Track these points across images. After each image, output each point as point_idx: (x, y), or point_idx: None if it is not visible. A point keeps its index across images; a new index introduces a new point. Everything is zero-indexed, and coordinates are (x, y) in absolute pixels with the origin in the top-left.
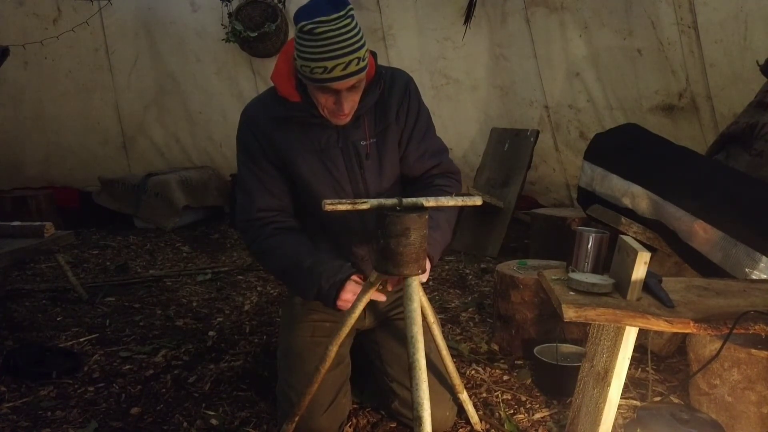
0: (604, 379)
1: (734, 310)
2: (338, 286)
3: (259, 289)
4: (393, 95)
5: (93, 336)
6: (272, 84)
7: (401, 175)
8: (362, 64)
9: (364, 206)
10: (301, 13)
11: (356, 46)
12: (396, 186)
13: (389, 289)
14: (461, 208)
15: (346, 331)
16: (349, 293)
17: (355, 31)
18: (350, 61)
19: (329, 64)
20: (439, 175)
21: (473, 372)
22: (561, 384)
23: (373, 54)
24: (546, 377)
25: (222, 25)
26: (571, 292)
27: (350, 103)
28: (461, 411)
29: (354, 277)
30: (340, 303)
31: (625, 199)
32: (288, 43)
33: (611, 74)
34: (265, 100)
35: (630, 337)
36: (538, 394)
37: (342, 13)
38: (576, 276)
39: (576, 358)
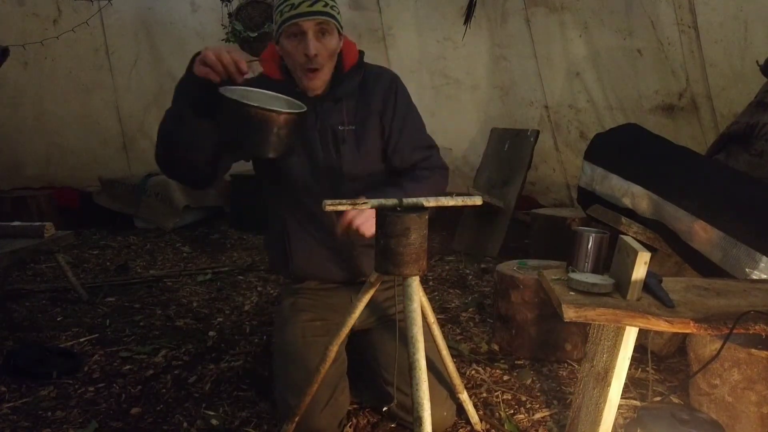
0: (604, 379)
1: (734, 310)
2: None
3: (259, 289)
4: (378, 85)
5: (93, 336)
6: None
7: (391, 166)
8: (330, 10)
9: (365, 206)
10: None
11: None
12: (374, 174)
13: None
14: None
15: (346, 331)
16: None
17: None
18: (316, 0)
19: (296, 0)
20: (426, 168)
21: (473, 372)
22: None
23: (360, 52)
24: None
25: (222, 25)
26: (571, 292)
27: (317, 49)
28: (461, 411)
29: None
30: (198, 61)
31: (625, 199)
32: None
33: (611, 74)
34: (248, 79)
35: (630, 337)
36: (539, 394)
37: None
38: (576, 276)
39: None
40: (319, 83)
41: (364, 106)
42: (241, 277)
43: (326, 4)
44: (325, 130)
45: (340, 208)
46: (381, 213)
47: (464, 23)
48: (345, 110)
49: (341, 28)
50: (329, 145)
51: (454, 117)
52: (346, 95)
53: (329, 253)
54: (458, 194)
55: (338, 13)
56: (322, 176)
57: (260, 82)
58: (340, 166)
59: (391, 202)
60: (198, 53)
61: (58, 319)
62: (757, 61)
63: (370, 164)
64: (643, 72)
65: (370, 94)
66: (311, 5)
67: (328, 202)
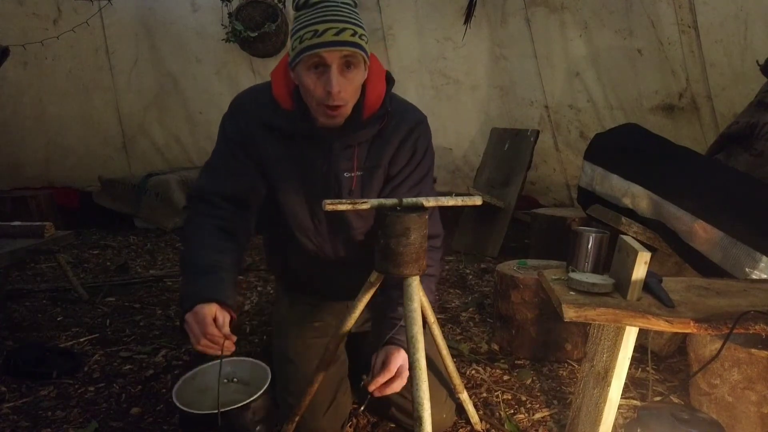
0: (604, 379)
1: (734, 309)
2: (185, 312)
3: (259, 289)
4: (396, 133)
5: (93, 336)
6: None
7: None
8: (358, 39)
9: (365, 206)
10: None
11: (353, 19)
12: (371, 233)
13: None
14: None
15: (346, 331)
16: (191, 323)
17: (355, 10)
18: (344, 29)
19: (320, 27)
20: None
21: (473, 372)
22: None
23: (389, 81)
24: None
25: (222, 25)
26: (571, 292)
27: (341, 86)
28: (461, 411)
29: (199, 309)
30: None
31: (625, 199)
32: None
33: (611, 74)
34: (258, 96)
35: (630, 337)
36: (539, 394)
37: None
38: (576, 276)
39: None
40: (339, 120)
41: (377, 151)
42: (241, 277)
43: (354, 33)
44: (329, 176)
45: (340, 207)
46: (381, 213)
47: (464, 23)
48: (356, 156)
49: (368, 57)
50: (330, 191)
51: (454, 117)
52: (359, 143)
53: (326, 283)
54: (458, 194)
55: (367, 41)
56: (321, 220)
57: (268, 107)
58: (340, 216)
59: (391, 202)
60: (187, 311)
61: (58, 319)
62: (757, 61)
63: (372, 219)
64: (643, 72)
65: (388, 139)
66: (338, 33)
67: (328, 201)
